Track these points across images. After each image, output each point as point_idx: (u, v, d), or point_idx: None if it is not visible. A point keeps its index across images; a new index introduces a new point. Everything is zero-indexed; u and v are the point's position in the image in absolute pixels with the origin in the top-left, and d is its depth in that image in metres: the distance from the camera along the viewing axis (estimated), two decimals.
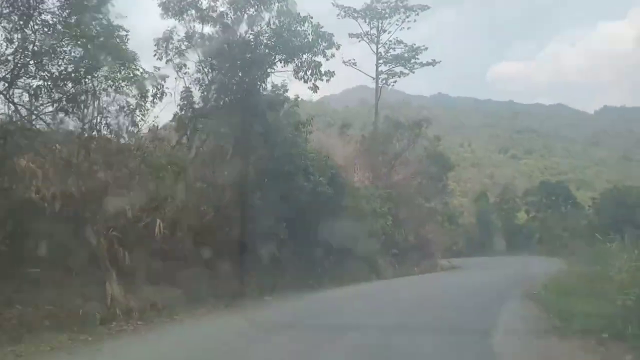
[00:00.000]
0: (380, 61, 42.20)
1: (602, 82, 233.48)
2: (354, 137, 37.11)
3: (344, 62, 43.40)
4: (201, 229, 15.12)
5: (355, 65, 42.70)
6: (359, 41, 43.27)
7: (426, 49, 40.78)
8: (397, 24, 41.02)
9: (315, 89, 16.62)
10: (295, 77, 16.87)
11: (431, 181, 33.64)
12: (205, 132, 16.79)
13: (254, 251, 16.27)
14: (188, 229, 14.52)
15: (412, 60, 40.88)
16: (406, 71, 41.24)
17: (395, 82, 41.62)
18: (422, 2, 40.40)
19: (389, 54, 42.05)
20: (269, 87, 17.29)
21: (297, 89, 51.70)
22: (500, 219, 53.73)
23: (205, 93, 16.51)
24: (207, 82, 16.57)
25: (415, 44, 40.87)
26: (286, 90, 17.50)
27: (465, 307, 13.81)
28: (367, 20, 42.54)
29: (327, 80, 17.09)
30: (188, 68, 16.34)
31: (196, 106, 16.22)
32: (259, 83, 16.62)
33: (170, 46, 16.38)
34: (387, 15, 41.84)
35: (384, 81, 41.65)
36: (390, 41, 41.70)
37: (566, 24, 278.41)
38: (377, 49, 42.75)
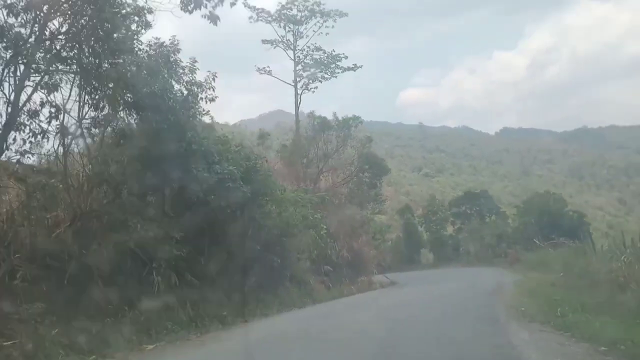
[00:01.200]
0: (299, 67, 37.75)
1: (500, 106, 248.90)
2: (273, 147, 31.93)
3: (258, 69, 38.69)
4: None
5: (271, 73, 38.14)
6: (274, 47, 38.73)
7: (346, 57, 36.98)
8: (313, 30, 37.01)
9: (214, 19, 10.92)
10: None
11: (364, 188, 29.00)
12: None
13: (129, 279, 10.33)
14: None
15: (333, 65, 36.79)
16: (327, 75, 36.87)
17: (316, 87, 36.97)
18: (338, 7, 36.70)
19: (307, 59, 37.70)
20: None
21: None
22: (427, 232, 50.61)
23: None
24: None
25: (334, 51, 36.97)
26: None
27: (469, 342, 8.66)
28: (282, 24, 38.19)
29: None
30: None
31: None
32: None
33: None
34: (303, 20, 37.83)
35: (304, 86, 36.91)
36: (308, 47, 37.54)
37: (466, 52, 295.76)
38: (295, 53, 38.37)
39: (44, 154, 10.70)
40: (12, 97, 9.54)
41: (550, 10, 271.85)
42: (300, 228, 19.09)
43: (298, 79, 37.15)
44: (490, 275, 26.09)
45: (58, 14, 10.03)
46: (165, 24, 16.21)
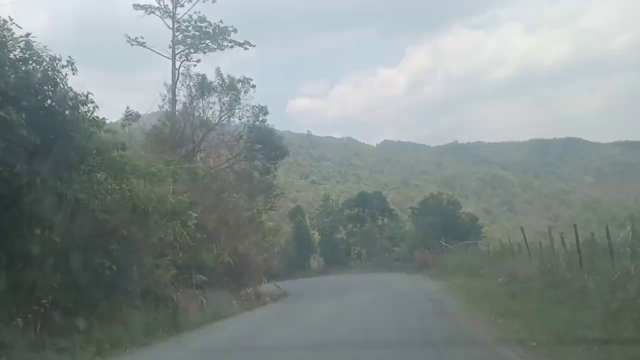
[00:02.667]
0: (179, 35, 29.87)
1: (381, 120, 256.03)
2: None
3: (129, 40, 30.15)
4: None
5: (145, 45, 29.77)
6: (148, 14, 30.49)
7: (235, 30, 29.91)
8: None
9: None
10: None
11: (255, 174, 22.30)
12: None
13: None
14: None
15: (220, 37, 29.54)
16: (213, 46, 29.51)
17: (199, 61, 29.44)
18: None
19: (189, 30, 29.99)
20: None
21: None
22: (320, 235, 45.32)
23: None
24: None
25: (221, 22, 29.66)
26: None
27: None
28: None
29: None
30: None
31: None
32: None
33: None
34: None
35: (185, 57, 29.18)
36: (190, 16, 29.90)
37: (352, 67, 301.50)
38: (174, 23, 30.49)
39: None
40: None
41: (428, 33, 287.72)
42: (157, 217, 12.01)
43: (177, 48, 29.33)
44: (405, 282, 21.17)
45: None
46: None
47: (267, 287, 23.45)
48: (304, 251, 45.75)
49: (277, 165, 23.27)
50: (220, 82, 21.04)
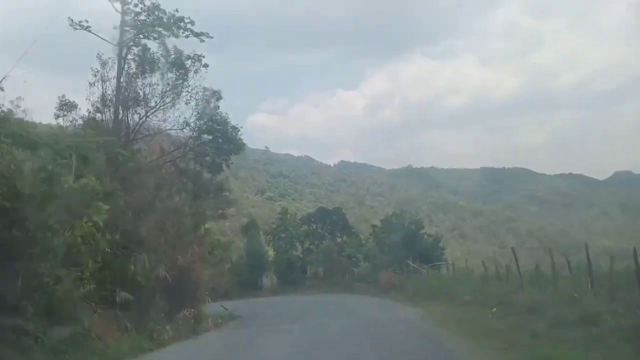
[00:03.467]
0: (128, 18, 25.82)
1: (339, 140, 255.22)
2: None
3: (72, 23, 25.83)
4: None
5: (90, 30, 25.50)
6: None
7: (192, 22, 26.31)
8: None
9: None
10: None
11: (202, 171, 18.49)
12: None
13: None
14: None
15: (174, 27, 25.64)
16: (165, 33, 25.61)
17: (149, 49, 25.44)
18: None
19: (141, 14, 25.98)
20: None
21: None
22: (275, 251, 41.45)
23: None
24: None
25: (177, 11, 25.95)
26: None
27: None
28: None
29: None
30: None
31: None
32: None
33: None
34: None
35: (133, 42, 25.13)
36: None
37: (312, 87, 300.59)
38: (123, 7, 26.40)
39: None
40: None
41: (388, 59, 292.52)
42: (55, 207, 8.25)
43: (126, 33, 25.21)
44: (372, 307, 17.85)
45: None
46: None
47: (212, 308, 19.54)
48: (257, 269, 41.73)
49: (230, 162, 19.36)
50: (164, 55, 17.36)
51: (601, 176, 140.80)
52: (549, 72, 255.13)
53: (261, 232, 43.02)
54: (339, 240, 42.35)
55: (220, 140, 18.12)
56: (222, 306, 20.45)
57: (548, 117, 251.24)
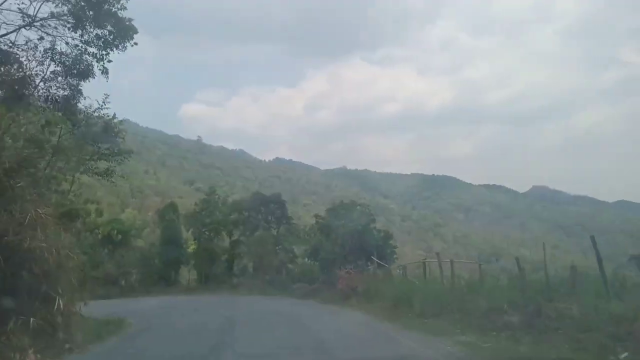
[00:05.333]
0: None
1: (276, 137, 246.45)
2: None
3: None
4: None
5: None
6: None
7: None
8: None
9: None
10: None
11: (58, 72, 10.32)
12: None
13: None
14: None
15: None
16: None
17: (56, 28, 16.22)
18: None
19: None
20: None
21: None
22: (196, 240, 32.99)
23: None
24: None
25: None
26: None
27: None
28: None
29: None
30: None
31: None
32: None
33: None
34: None
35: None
36: None
37: (252, 81, 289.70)
38: None
39: None
40: None
41: (329, 61, 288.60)
42: None
43: None
44: (346, 327, 10.57)
45: None
46: None
47: (93, 309, 11.37)
48: (173, 261, 33.07)
49: (108, 59, 10.92)
50: None
51: (521, 189, 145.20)
52: (480, 87, 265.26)
53: (181, 218, 34.38)
54: (275, 232, 34.76)
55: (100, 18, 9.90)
56: (80, 313, 12.18)
57: (476, 129, 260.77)
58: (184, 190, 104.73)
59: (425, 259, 18.08)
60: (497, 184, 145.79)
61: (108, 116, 12.15)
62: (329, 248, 26.60)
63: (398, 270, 21.67)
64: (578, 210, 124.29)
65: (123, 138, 13.09)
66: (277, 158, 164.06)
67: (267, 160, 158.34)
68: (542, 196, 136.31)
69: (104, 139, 12.39)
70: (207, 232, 32.57)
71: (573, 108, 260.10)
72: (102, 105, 11.73)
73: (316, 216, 33.98)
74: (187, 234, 34.20)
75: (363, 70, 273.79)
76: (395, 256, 32.67)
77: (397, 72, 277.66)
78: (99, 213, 18.80)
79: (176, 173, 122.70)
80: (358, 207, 33.81)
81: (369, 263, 20.90)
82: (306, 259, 29.72)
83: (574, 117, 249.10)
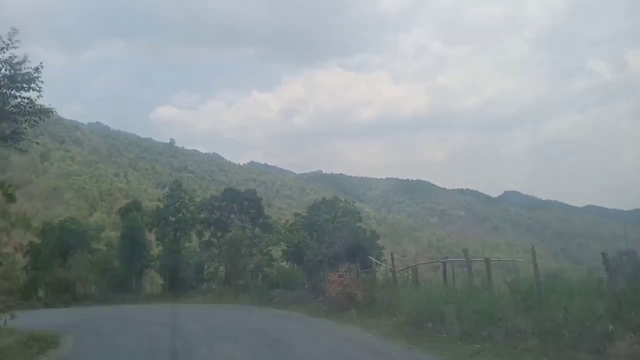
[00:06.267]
0: None
1: (251, 141, 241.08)
2: None
3: None
4: None
5: None
6: None
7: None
8: None
9: None
10: None
11: None
12: None
13: None
14: None
15: None
16: None
17: None
18: None
19: None
20: None
21: None
22: (161, 242, 28.82)
23: None
24: None
25: None
26: None
27: None
28: None
29: None
30: None
31: None
32: None
33: None
34: None
35: None
36: None
37: (227, 85, 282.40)
38: None
39: None
40: None
41: (305, 65, 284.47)
42: None
43: None
44: (333, 346, 7.14)
45: None
46: None
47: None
48: (135, 266, 28.86)
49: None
50: None
51: (493, 194, 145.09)
52: (452, 94, 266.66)
53: (145, 218, 30.20)
54: (249, 232, 30.97)
55: None
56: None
57: (449, 135, 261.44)
58: (155, 193, 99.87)
59: (447, 257, 14.77)
60: (471, 188, 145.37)
61: (16, 58, 8.61)
62: (315, 248, 23.00)
63: (405, 274, 18.10)
64: (549, 214, 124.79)
65: (39, 90, 9.38)
66: (252, 162, 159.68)
67: (241, 163, 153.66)
68: (514, 201, 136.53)
69: (10, 91, 8.71)
70: (172, 233, 28.46)
71: (542, 115, 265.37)
72: (7, 44, 8.18)
73: (296, 214, 30.42)
74: (150, 235, 30.05)
75: (339, 76, 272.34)
76: (382, 257, 29.44)
77: (372, 78, 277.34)
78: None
79: (147, 176, 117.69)
80: (341, 204, 30.46)
81: (373, 260, 17.48)
82: (286, 262, 26.03)
83: (543, 124, 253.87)
